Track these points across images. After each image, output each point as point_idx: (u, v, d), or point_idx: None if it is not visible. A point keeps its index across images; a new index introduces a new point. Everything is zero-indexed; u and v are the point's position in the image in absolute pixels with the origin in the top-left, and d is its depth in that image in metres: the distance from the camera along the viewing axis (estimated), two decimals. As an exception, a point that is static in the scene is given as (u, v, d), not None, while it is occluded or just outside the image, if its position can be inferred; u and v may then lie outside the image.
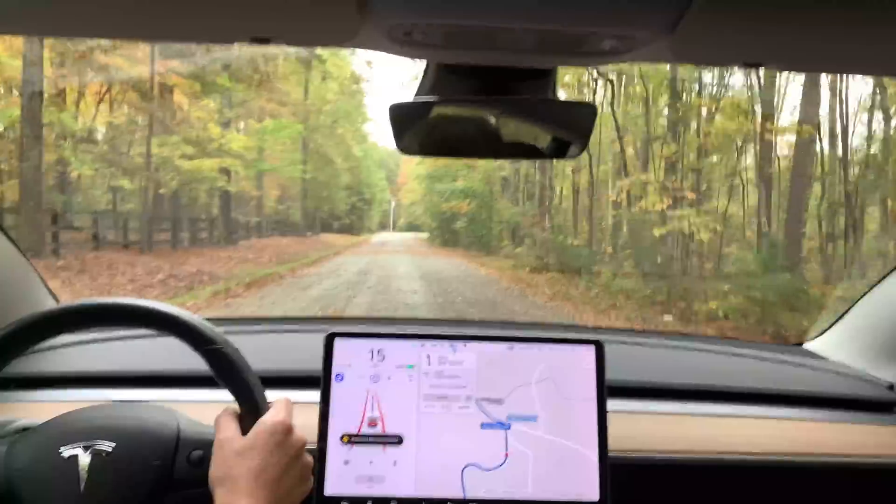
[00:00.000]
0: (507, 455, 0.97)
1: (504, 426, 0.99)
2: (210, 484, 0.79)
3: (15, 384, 1.19)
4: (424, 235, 38.25)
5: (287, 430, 0.83)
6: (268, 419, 0.83)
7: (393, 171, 56.14)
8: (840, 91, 13.94)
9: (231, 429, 0.83)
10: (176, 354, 0.99)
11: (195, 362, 0.86)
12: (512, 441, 0.98)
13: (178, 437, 0.88)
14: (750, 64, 0.73)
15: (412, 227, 49.36)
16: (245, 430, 0.83)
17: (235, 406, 0.87)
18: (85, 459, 0.83)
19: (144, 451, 0.86)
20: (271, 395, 0.89)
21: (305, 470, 0.86)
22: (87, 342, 1.33)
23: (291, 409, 0.87)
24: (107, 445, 0.84)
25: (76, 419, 0.89)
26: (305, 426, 0.90)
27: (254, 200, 26.96)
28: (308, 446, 0.88)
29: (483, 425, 0.99)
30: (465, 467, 0.97)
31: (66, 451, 0.84)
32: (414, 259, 19.95)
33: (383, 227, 59.88)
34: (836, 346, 1.50)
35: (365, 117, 38.26)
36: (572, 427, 0.99)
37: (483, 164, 20.67)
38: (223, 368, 0.86)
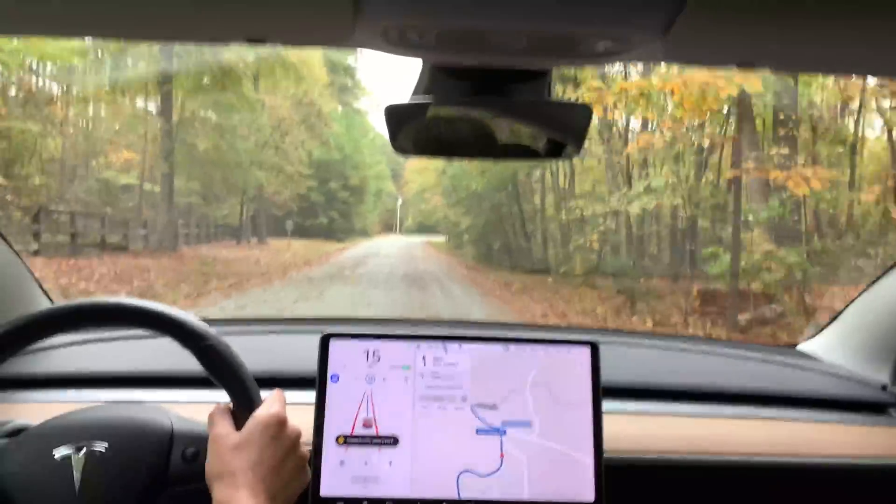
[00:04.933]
0: (502, 461, 0.97)
1: (499, 432, 0.99)
2: (207, 479, 0.80)
3: (9, 385, 1.19)
4: (440, 240, 26.52)
5: (281, 422, 0.84)
6: (262, 413, 0.84)
7: (399, 164, 39.65)
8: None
9: (225, 424, 0.83)
10: (170, 355, 0.99)
11: (189, 363, 0.86)
12: (507, 446, 0.98)
13: (172, 434, 0.88)
14: (744, 64, 0.73)
15: (423, 229, 36.25)
16: (239, 426, 0.83)
17: (228, 402, 0.87)
18: (79, 460, 0.83)
19: (138, 449, 0.86)
20: (266, 394, 0.89)
21: (302, 461, 0.87)
22: (81, 343, 1.32)
23: (284, 400, 0.88)
24: (100, 445, 0.84)
25: (68, 421, 0.89)
26: (301, 427, 0.90)
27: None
28: (303, 447, 0.89)
29: (478, 431, 0.99)
30: (461, 473, 0.97)
31: (59, 453, 0.83)
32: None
33: (388, 228, 46.25)
34: (830, 347, 1.50)
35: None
36: (567, 431, 0.99)
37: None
38: (215, 365, 0.86)
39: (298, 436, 0.86)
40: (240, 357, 0.87)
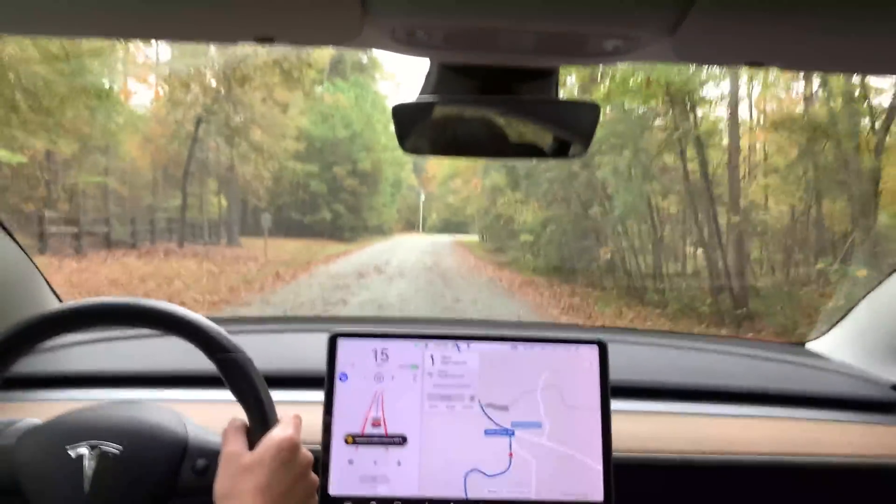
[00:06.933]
0: (510, 461, 0.97)
1: (508, 433, 0.99)
2: (214, 497, 0.79)
3: (21, 384, 1.20)
4: (472, 239, 21.79)
5: (295, 447, 0.83)
6: (276, 435, 0.83)
7: (421, 158, 27.73)
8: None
9: (238, 442, 0.83)
10: (182, 354, 0.99)
11: (201, 362, 0.86)
12: (516, 448, 0.98)
13: (186, 444, 0.88)
14: (753, 63, 0.73)
15: (450, 226, 31.44)
16: (252, 445, 0.83)
17: (243, 418, 0.86)
18: (92, 460, 0.83)
19: (151, 455, 0.85)
20: (276, 395, 0.89)
21: (310, 488, 0.86)
22: (93, 342, 1.33)
23: (300, 425, 0.87)
24: (114, 447, 0.84)
25: (85, 418, 0.89)
26: (309, 426, 0.91)
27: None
28: (312, 446, 0.88)
29: (487, 431, 0.99)
30: (469, 473, 0.97)
31: (74, 451, 0.84)
32: None
33: (410, 225, 39.76)
34: (839, 346, 1.50)
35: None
36: (576, 432, 0.99)
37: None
38: (235, 379, 0.85)
39: (310, 462, 0.86)
40: (260, 374, 0.87)
